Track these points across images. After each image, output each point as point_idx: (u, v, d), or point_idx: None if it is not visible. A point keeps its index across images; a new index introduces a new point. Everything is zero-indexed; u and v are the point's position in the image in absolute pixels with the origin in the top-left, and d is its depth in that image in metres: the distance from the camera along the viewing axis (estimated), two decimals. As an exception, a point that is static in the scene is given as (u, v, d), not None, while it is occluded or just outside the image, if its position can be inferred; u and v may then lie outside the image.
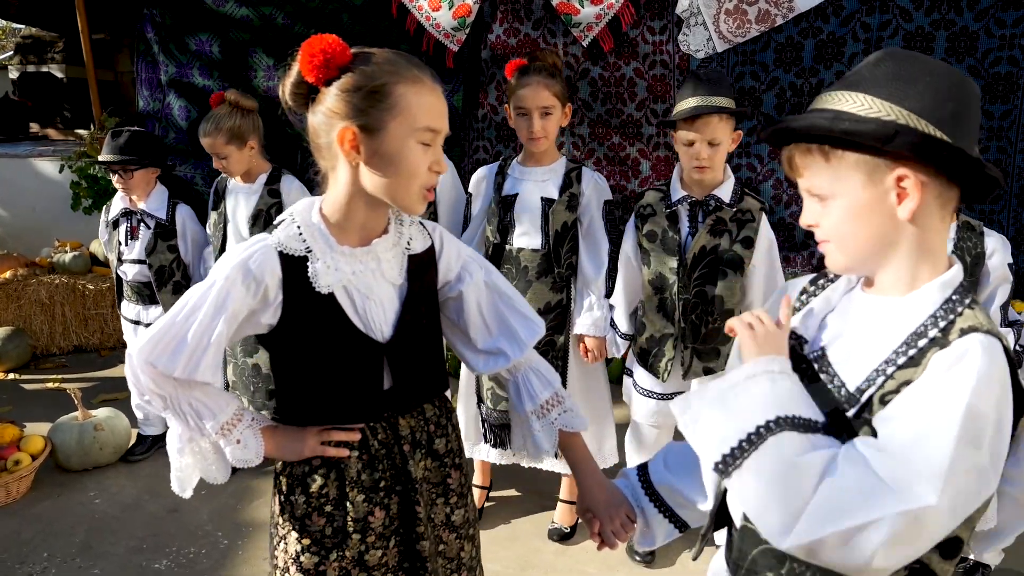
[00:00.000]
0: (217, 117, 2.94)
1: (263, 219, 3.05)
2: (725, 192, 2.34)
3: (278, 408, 1.37)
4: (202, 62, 4.34)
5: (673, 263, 2.35)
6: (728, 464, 0.98)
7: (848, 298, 1.13)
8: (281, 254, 1.23)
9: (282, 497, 1.36)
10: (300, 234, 1.25)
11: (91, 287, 4.75)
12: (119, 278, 3.40)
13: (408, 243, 1.34)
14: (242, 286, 1.21)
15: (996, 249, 2.46)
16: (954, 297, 1.01)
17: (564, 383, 2.67)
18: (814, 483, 0.93)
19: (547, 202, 2.56)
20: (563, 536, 2.77)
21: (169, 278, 3.30)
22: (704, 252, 2.32)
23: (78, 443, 3.24)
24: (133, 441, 3.52)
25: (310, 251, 1.25)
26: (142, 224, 3.28)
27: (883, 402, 0.98)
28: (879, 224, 1.02)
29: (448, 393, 1.48)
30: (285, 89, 1.25)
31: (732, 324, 1.13)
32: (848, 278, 1.15)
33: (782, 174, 3.74)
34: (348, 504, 1.32)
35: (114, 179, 3.23)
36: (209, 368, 1.21)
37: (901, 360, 0.98)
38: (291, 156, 4.11)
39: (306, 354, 1.28)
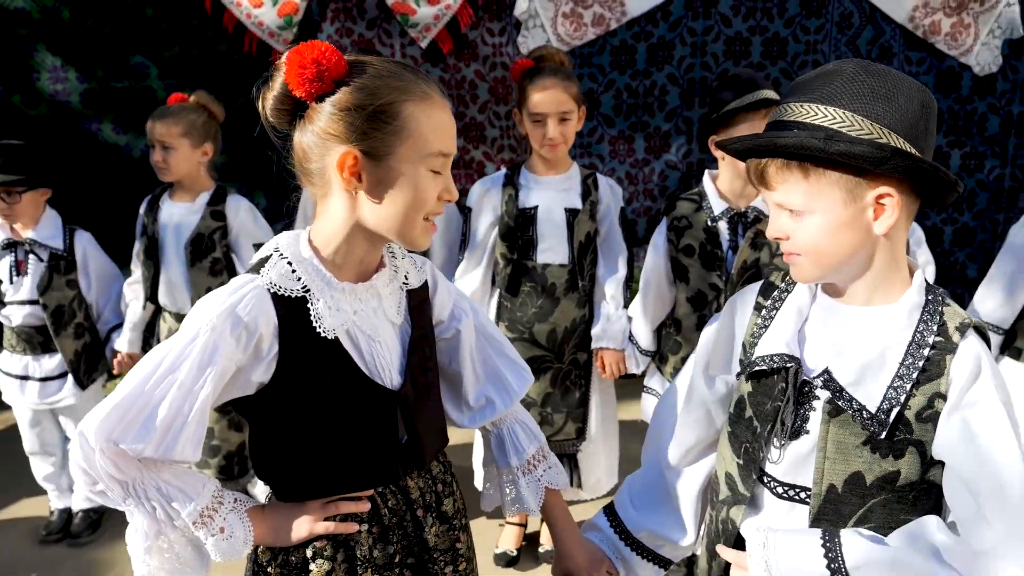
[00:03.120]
0: (179, 107, 2.55)
1: (204, 244, 2.61)
2: (762, 203, 2.20)
3: (269, 484, 1.17)
4: (-34, 61, 3.68)
5: (715, 279, 2.21)
6: None
7: (822, 309, 1.12)
8: (275, 296, 1.05)
9: None
10: (293, 271, 1.07)
11: None
12: None
13: (405, 278, 1.20)
14: (231, 338, 1.00)
15: (920, 238, 2.68)
16: (930, 297, 1.06)
17: (587, 401, 2.52)
18: None
19: (571, 213, 2.38)
20: (511, 561, 2.66)
21: (70, 320, 2.72)
22: (746, 267, 2.18)
23: None
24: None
25: (308, 290, 1.07)
26: (31, 256, 2.67)
27: (921, 419, 1.00)
28: (856, 239, 1.03)
29: None
30: (266, 103, 1.07)
31: None
32: (808, 285, 1.15)
33: (622, 172, 3.87)
34: None
35: None
36: (190, 443, 1.00)
37: (915, 374, 1.00)
38: (264, 170, 3.63)
39: (307, 413, 1.09)
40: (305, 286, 1.07)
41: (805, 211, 1.03)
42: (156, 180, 2.78)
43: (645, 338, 2.43)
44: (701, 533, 1.31)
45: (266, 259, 1.09)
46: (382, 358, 1.14)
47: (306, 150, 1.07)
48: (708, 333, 1.26)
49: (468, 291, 2.46)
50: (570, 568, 1.33)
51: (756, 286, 1.21)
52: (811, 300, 1.13)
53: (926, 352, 1.01)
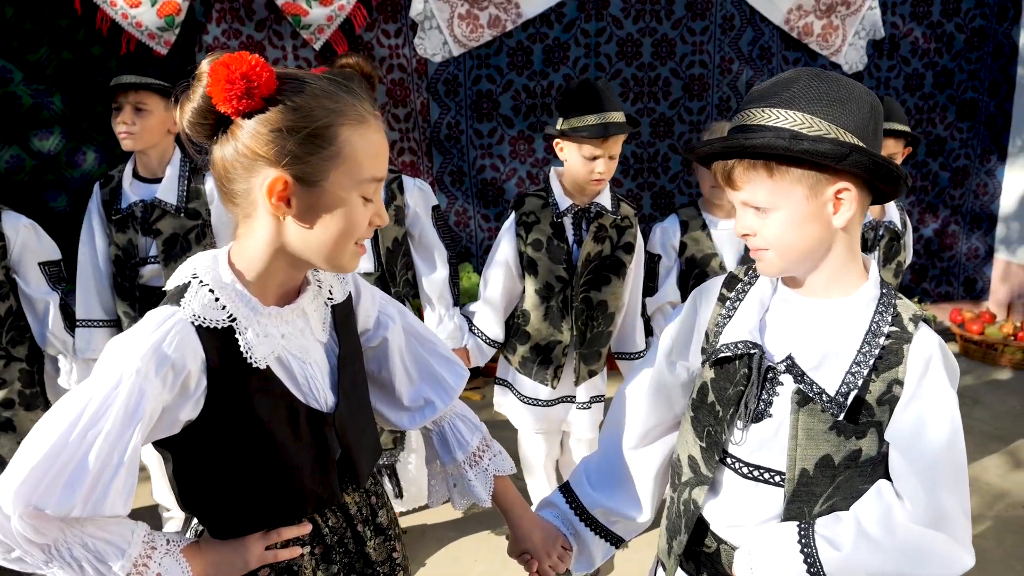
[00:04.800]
0: None
1: None
2: (606, 199, 2.33)
3: (201, 521, 1.10)
4: None
5: (561, 271, 2.31)
6: None
7: (783, 300, 1.18)
8: (200, 329, 0.97)
9: None
10: (217, 299, 1.00)
11: None
12: None
13: (330, 293, 1.15)
14: (157, 379, 0.93)
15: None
16: (883, 291, 1.14)
17: None
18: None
19: None
20: None
21: None
22: (589, 259, 2.31)
23: None
24: None
25: (234, 319, 1.00)
26: None
27: (880, 403, 1.07)
28: (817, 232, 1.10)
29: None
30: (184, 115, 0.98)
31: None
32: (770, 278, 1.21)
33: (523, 172, 3.90)
34: None
35: None
36: (121, 496, 0.91)
37: (871, 360, 1.07)
38: None
39: (240, 446, 1.03)
40: (231, 315, 1.00)
41: (770, 208, 1.09)
42: (24, 194, 2.57)
43: (493, 329, 2.49)
44: (662, 514, 1.35)
45: (184, 287, 1.01)
46: (315, 380, 1.10)
47: (229, 169, 0.99)
48: (671, 320, 1.30)
49: None
50: (527, 547, 1.34)
51: (720, 278, 1.26)
52: (772, 292, 1.19)
53: (882, 341, 1.08)
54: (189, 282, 1.01)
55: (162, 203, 2.44)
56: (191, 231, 2.47)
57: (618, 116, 2.23)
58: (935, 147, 4.30)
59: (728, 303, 1.21)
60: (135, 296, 2.48)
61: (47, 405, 2.49)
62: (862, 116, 1.07)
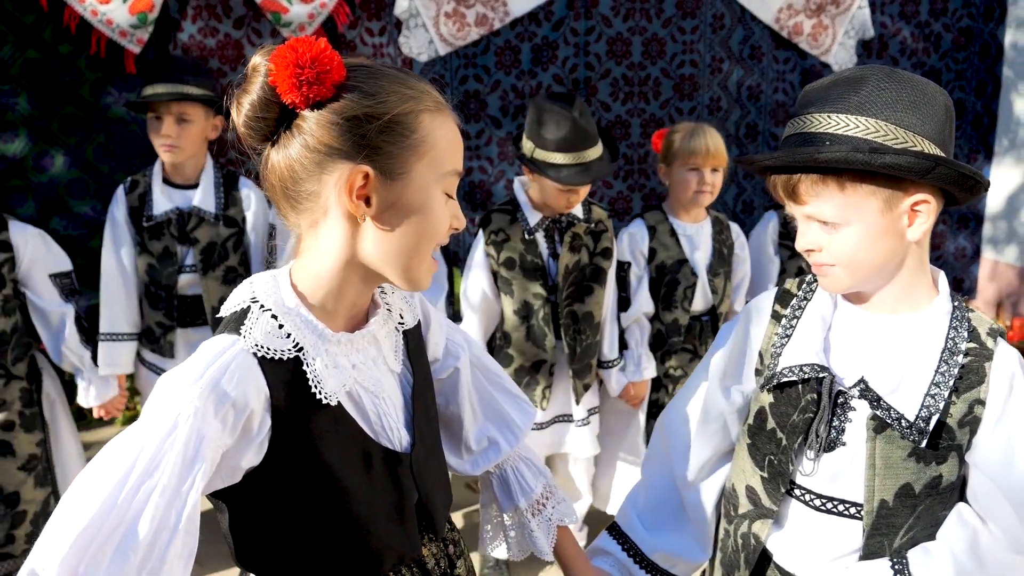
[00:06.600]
0: None
1: None
2: (577, 208, 2.21)
3: None
4: None
5: (538, 288, 2.17)
6: None
7: (847, 317, 1.10)
8: (263, 360, 0.86)
9: None
10: (280, 326, 0.88)
11: None
12: None
13: (400, 317, 1.04)
14: (216, 420, 0.81)
15: (740, 239, 2.75)
16: (956, 304, 1.06)
17: None
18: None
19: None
20: None
21: None
22: (569, 271, 2.18)
23: None
24: None
25: (300, 349, 0.88)
26: None
27: (962, 425, 0.99)
28: (890, 247, 1.02)
29: None
30: (240, 112, 0.88)
31: None
32: (830, 293, 1.13)
33: (512, 174, 3.80)
34: None
35: None
36: (180, 560, 0.78)
37: (951, 381, 1.00)
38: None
39: (306, 496, 0.91)
40: (297, 344, 0.89)
41: (840, 222, 1.01)
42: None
43: None
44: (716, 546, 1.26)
45: (244, 313, 0.89)
46: (388, 417, 0.98)
47: (295, 168, 0.89)
48: (721, 343, 1.20)
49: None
50: None
51: (771, 293, 1.17)
52: (833, 308, 1.10)
53: (960, 359, 1.01)
54: (248, 307, 0.89)
55: (200, 211, 2.33)
56: (228, 239, 2.35)
57: (594, 152, 2.07)
58: (923, 147, 4.28)
59: (784, 321, 1.12)
60: (172, 305, 2.34)
61: (44, 426, 2.35)
62: (938, 120, 0.98)
